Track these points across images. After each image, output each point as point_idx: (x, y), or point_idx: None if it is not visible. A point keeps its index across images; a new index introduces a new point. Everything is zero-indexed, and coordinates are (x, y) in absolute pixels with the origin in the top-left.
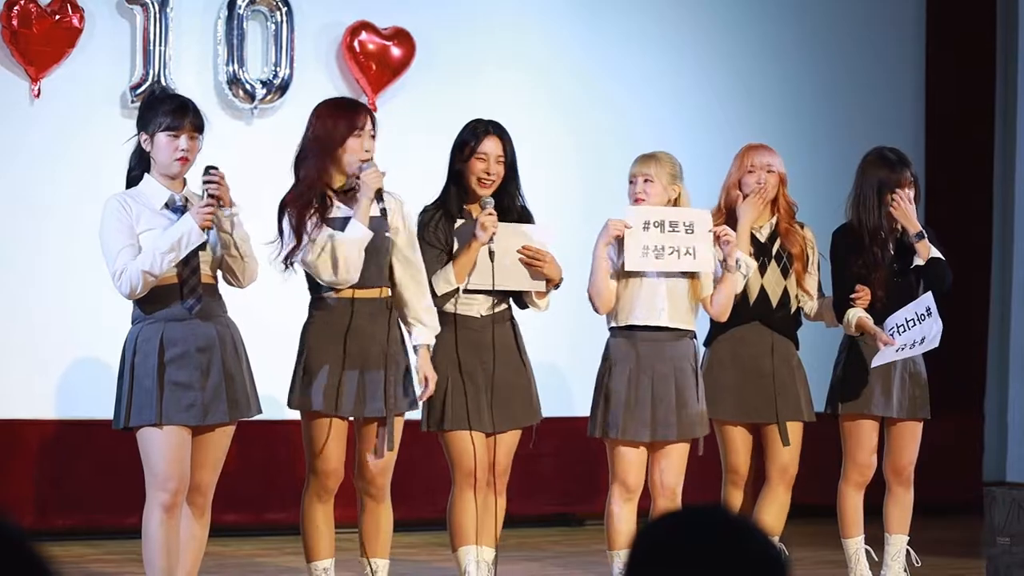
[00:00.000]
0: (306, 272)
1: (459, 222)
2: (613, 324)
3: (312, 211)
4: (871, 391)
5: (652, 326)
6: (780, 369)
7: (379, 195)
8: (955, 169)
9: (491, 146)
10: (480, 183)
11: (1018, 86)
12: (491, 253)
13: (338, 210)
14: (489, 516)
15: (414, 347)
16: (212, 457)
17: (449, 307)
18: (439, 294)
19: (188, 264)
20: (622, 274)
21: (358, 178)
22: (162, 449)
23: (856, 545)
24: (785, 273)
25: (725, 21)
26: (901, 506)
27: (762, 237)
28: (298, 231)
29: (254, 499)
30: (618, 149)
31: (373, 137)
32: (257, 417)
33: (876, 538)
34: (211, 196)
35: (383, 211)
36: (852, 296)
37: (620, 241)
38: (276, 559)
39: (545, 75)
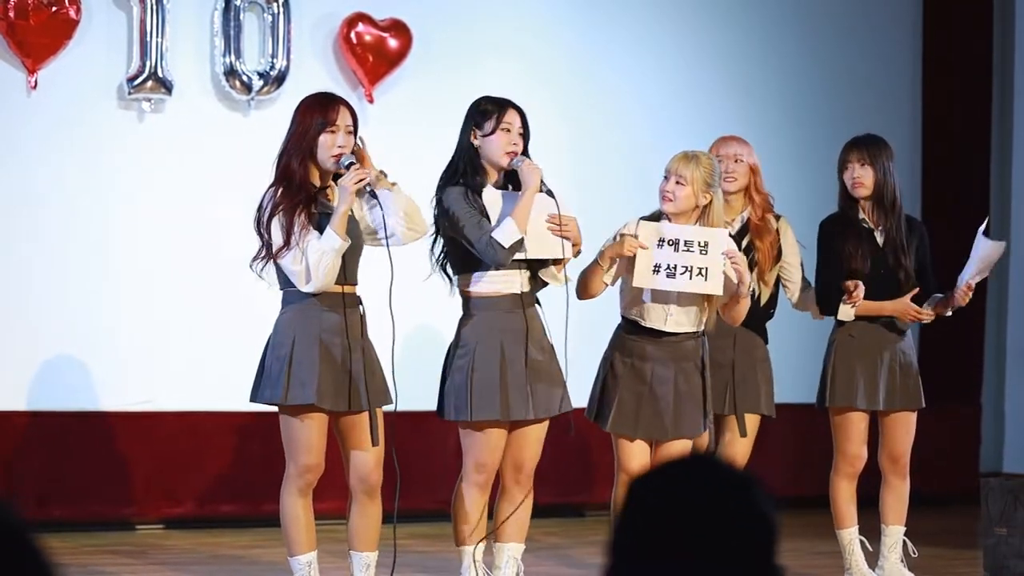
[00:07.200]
0: (278, 272)
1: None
2: (624, 313)
3: (300, 212)
4: (857, 384)
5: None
6: (740, 361)
7: (372, 194)
8: (952, 162)
9: (514, 118)
10: (506, 156)
11: (1015, 81)
12: (550, 192)
13: (322, 206)
14: (518, 511)
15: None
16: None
17: (486, 289)
18: (507, 246)
19: None
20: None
21: (334, 178)
22: None
23: (850, 536)
24: (752, 267)
25: (723, 13)
26: (897, 497)
27: (732, 231)
28: (287, 234)
29: (250, 490)
30: (615, 140)
31: (351, 133)
32: (254, 408)
33: (873, 529)
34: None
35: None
36: (844, 291)
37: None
38: (272, 550)
39: (542, 66)
